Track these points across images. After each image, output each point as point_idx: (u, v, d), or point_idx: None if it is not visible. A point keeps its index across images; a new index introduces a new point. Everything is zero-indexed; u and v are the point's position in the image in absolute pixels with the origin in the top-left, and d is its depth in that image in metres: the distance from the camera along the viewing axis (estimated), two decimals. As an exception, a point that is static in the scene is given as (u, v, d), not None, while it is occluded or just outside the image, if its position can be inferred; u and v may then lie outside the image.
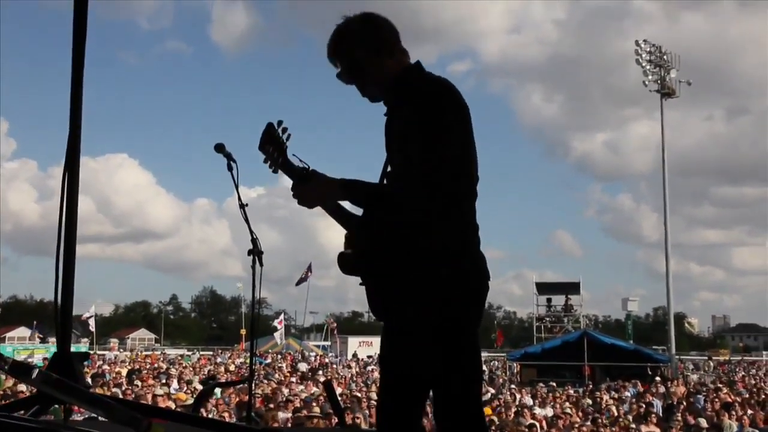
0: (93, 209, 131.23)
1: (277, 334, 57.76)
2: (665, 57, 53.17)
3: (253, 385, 22.75)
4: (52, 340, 67.65)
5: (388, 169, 3.33)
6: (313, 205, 3.21)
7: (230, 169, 3.72)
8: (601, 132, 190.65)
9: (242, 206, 3.99)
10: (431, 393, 3.15)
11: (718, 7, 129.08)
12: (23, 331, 78.11)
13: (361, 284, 3.26)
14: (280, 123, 3.07)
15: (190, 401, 16.35)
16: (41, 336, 70.35)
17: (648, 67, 52.50)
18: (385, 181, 3.30)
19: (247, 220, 4.08)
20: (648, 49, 52.83)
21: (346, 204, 3.32)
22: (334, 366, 38.86)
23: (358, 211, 3.30)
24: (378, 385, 3.43)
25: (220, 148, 3.84)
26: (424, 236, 3.01)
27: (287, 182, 3.16)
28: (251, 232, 4.31)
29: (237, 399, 16.07)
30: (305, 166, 3.13)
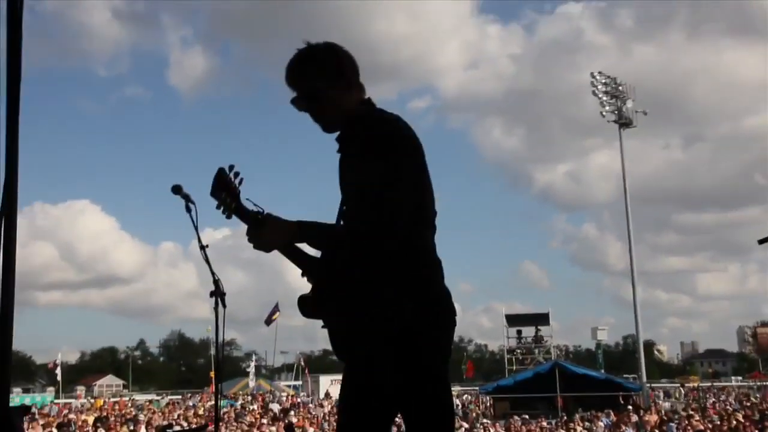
0: (56, 256, 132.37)
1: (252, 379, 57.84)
2: (620, 88, 53.68)
3: (224, 428, 22.72)
4: (18, 390, 67.66)
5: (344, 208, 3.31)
6: (270, 248, 3.11)
7: (188, 210, 3.55)
8: (561, 163, 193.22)
9: (202, 248, 3.84)
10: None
11: (667, 38, 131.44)
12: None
13: (323, 327, 3.21)
14: (231, 167, 2.99)
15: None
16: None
17: (604, 98, 53.02)
18: (341, 221, 3.27)
19: (208, 262, 3.93)
20: (603, 81, 53.48)
21: (304, 246, 3.27)
22: (307, 406, 38.48)
23: (317, 253, 3.28)
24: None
25: (177, 189, 3.62)
26: (384, 273, 2.96)
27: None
28: (213, 273, 4.15)
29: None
30: (259, 210, 3.06)
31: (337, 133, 3.29)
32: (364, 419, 3.04)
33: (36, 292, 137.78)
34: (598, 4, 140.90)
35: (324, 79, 3.18)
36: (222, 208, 3.04)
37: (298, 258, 3.29)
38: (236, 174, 3.00)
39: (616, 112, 53.46)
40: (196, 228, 3.66)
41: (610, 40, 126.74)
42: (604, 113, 52.94)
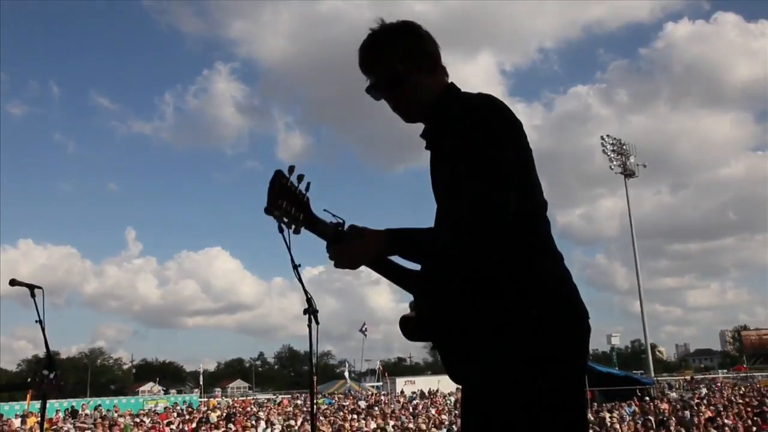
0: (198, 290, 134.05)
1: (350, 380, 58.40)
2: (624, 147, 53.06)
3: (324, 419, 22.15)
4: (173, 391, 69.22)
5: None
6: (356, 265, 2.07)
7: (281, 231, 2.76)
8: (577, 208, 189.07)
9: (295, 267, 3.02)
10: None
11: (656, 109, 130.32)
12: (152, 386, 78.72)
13: (433, 348, 2.14)
14: (292, 169, 1.90)
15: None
16: (164, 389, 71.69)
17: (612, 155, 52.34)
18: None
19: (300, 280, 3.14)
20: (611, 141, 52.93)
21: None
22: (386, 402, 37.48)
23: (413, 265, 2.19)
24: None
25: (269, 211, 2.82)
26: (501, 274, 1.91)
27: None
28: (305, 291, 3.41)
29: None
30: (339, 221, 2.06)
31: (421, 127, 2.25)
32: None
33: (184, 317, 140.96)
34: (600, 86, 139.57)
35: (406, 61, 2.15)
36: (286, 221, 1.96)
37: (392, 272, 2.24)
38: (300, 177, 1.92)
39: (622, 165, 52.66)
40: (288, 248, 2.82)
41: (610, 112, 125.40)
42: (612, 167, 52.42)
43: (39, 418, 23.53)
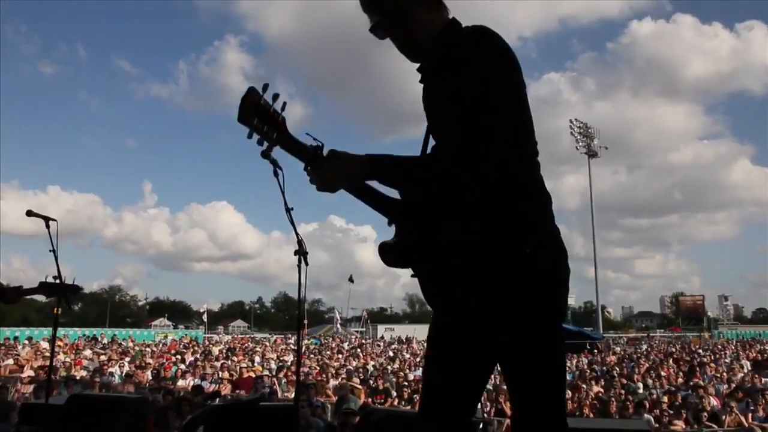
0: (206, 239, 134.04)
1: (338, 324, 59.57)
2: (590, 130, 53.02)
3: (310, 357, 22.35)
4: (181, 326, 69.73)
5: (431, 143, 1.99)
6: (335, 187, 1.86)
7: (276, 174, 2.61)
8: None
9: (288, 210, 2.95)
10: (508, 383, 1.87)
11: (618, 97, 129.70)
12: (162, 321, 79.52)
13: (413, 276, 1.95)
14: (266, 87, 1.70)
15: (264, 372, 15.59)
16: (173, 324, 72.36)
17: (578, 137, 52.36)
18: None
19: (292, 223, 3.04)
20: (578, 125, 52.72)
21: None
22: (368, 345, 37.75)
23: (392, 192, 2.00)
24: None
25: (266, 154, 2.61)
26: (498, 207, 1.76)
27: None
28: (297, 234, 3.31)
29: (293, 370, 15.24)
30: (318, 144, 1.83)
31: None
32: (460, 366, 1.88)
33: (192, 262, 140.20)
34: (571, 74, 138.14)
35: None
36: (258, 139, 1.75)
37: (372, 198, 1.98)
38: (275, 96, 1.71)
39: (586, 146, 52.33)
40: (282, 192, 2.74)
41: (579, 98, 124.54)
42: (578, 147, 52.49)
43: (60, 342, 23.66)
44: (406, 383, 13.47)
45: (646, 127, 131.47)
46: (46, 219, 4.66)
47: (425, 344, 2.06)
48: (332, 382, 13.69)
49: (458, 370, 1.90)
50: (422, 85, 2.01)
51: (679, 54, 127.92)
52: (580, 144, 52.94)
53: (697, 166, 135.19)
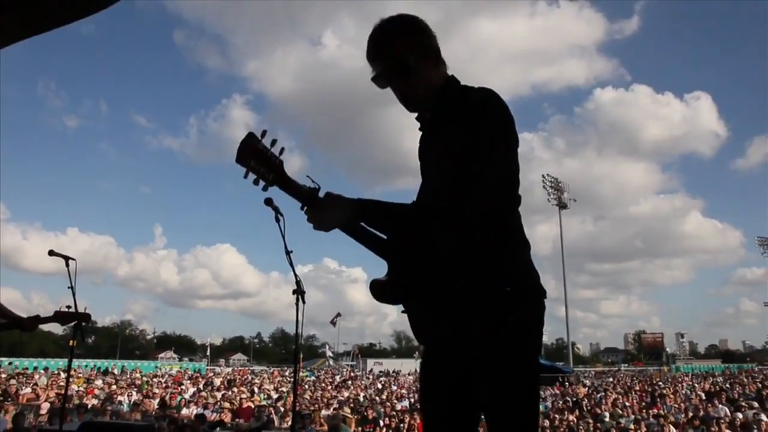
0: (210, 278, 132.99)
1: (330, 359, 58.97)
2: (560, 184, 53.45)
3: (305, 388, 21.94)
4: (186, 359, 68.63)
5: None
6: (330, 227, 1.80)
7: (277, 220, 2.58)
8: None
9: (288, 252, 2.92)
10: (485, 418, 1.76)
11: (585, 155, 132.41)
12: (169, 354, 78.24)
13: (403, 311, 1.88)
14: (264, 133, 1.69)
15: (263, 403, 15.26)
16: (179, 357, 70.91)
17: (550, 190, 52.79)
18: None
19: (291, 265, 3.02)
20: (550, 180, 53.18)
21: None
22: (358, 378, 37.17)
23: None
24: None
25: (268, 202, 2.40)
26: (482, 252, 1.71)
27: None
28: (295, 274, 3.29)
29: (289, 400, 14.97)
30: (316, 186, 1.79)
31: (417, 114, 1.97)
32: (449, 399, 1.80)
33: (197, 300, 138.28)
34: (543, 133, 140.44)
35: (415, 53, 1.85)
36: (255, 179, 1.71)
37: (365, 238, 1.90)
38: (273, 141, 1.70)
39: (557, 199, 52.89)
40: (283, 235, 2.73)
41: (550, 156, 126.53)
42: (549, 200, 52.81)
43: (74, 373, 23.07)
44: (393, 413, 13.23)
45: (610, 182, 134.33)
46: (66, 258, 4.64)
47: (418, 379, 1.92)
48: (324, 412, 13.43)
49: (448, 403, 1.83)
50: (419, 135, 1.98)
51: (637, 118, 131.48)
52: (552, 196, 53.10)
53: (655, 218, 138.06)
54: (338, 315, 51.59)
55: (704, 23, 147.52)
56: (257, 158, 1.70)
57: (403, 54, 1.85)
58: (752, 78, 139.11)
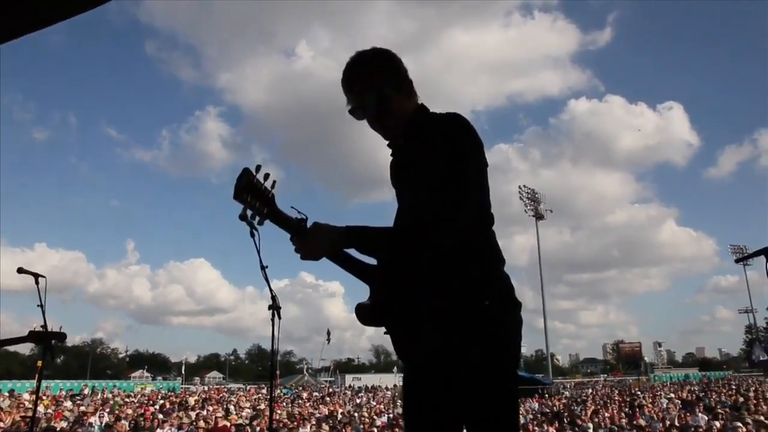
0: (184, 294, 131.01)
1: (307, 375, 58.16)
2: (537, 195, 54.08)
3: (283, 405, 21.70)
4: (160, 378, 67.47)
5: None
6: (318, 257, 1.85)
7: (252, 236, 2.58)
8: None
9: (263, 268, 2.87)
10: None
11: (561, 166, 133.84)
12: (142, 373, 76.02)
13: (386, 333, 1.93)
14: (258, 168, 1.73)
15: (239, 421, 15.04)
16: (152, 376, 69.71)
17: (526, 201, 53.36)
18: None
19: (267, 280, 2.96)
20: (527, 191, 53.82)
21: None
22: (337, 393, 36.93)
23: (367, 259, 1.99)
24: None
25: (243, 217, 2.54)
26: (459, 271, 1.78)
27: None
28: (271, 290, 3.25)
29: (266, 419, 14.77)
30: (302, 217, 1.85)
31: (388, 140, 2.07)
32: (430, 416, 1.86)
33: (171, 316, 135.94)
34: (518, 145, 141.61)
35: (391, 85, 1.96)
36: (251, 214, 1.76)
37: (351, 264, 1.98)
38: (266, 176, 1.75)
39: (534, 210, 53.33)
40: (258, 251, 2.70)
41: (526, 167, 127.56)
42: (526, 210, 53.38)
43: (44, 395, 22.48)
44: (373, 429, 13.15)
45: (586, 192, 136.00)
46: (36, 275, 4.55)
47: (401, 395, 2.00)
48: (302, 430, 13.28)
49: (431, 418, 1.88)
50: (390, 161, 2.06)
51: (611, 129, 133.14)
52: (528, 207, 53.83)
53: (630, 227, 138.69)
54: (328, 332, 51.39)
55: (676, 34, 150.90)
56: (253, 193, 1.73)
57: (379, 86, 1.94)
58: (722, 88, 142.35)
